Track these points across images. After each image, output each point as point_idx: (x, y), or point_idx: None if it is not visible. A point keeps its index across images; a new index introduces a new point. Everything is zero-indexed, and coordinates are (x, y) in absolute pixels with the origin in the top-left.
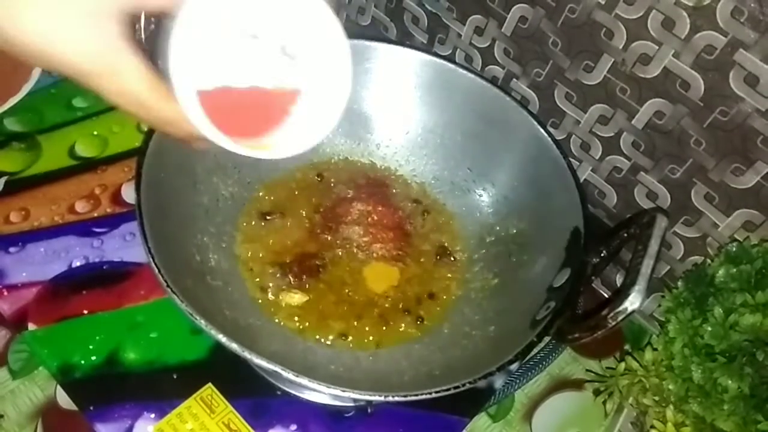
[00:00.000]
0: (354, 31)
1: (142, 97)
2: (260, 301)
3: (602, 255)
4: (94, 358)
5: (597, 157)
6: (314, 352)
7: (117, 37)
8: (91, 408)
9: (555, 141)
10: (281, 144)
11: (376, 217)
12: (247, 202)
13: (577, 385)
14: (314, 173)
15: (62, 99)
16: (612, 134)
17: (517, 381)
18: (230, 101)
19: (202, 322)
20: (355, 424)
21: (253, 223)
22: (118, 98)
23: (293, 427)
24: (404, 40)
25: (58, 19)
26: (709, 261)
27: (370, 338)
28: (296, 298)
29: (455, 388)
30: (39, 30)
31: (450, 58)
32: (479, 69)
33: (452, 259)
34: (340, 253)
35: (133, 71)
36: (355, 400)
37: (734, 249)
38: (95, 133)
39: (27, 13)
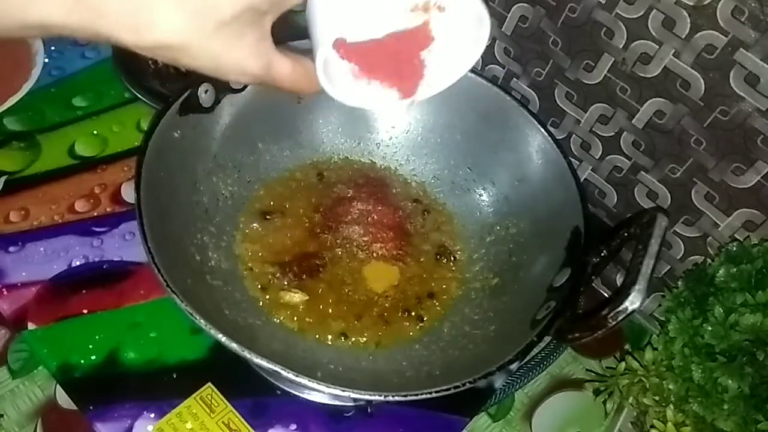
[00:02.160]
0: None
1: (290, 86)
2: (260, 300)
3: (602, 255)
4: (93, 357)
5: (597, 157)
6: (314, 351)
7: (270, 52)
8: (91, 407)
9: (555, 140)
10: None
11: (376, 217)
12: (247, 201)
13: (577, 384)
14: (314, 173)
15: (62, 98)
16: (612, 134)
17: (518, 381)
18: (369, 52)
19: (202, 322)
20: (355, 423)
21: (253, 222)
22: (271, 89)
23: (293, 426)
24: None
25: (222, 53)
26: (709, 261)
27: (370, 338)
28: (296, 297)
29: (455, 388)
30: (210, 62)
31: None
32: (479, 68)
33: (452, 258)
34: (340, 253)
35: (285, 72)
36: (355, 400)
37: (734, 249)
38: (95, 132)
39: (199, 54)
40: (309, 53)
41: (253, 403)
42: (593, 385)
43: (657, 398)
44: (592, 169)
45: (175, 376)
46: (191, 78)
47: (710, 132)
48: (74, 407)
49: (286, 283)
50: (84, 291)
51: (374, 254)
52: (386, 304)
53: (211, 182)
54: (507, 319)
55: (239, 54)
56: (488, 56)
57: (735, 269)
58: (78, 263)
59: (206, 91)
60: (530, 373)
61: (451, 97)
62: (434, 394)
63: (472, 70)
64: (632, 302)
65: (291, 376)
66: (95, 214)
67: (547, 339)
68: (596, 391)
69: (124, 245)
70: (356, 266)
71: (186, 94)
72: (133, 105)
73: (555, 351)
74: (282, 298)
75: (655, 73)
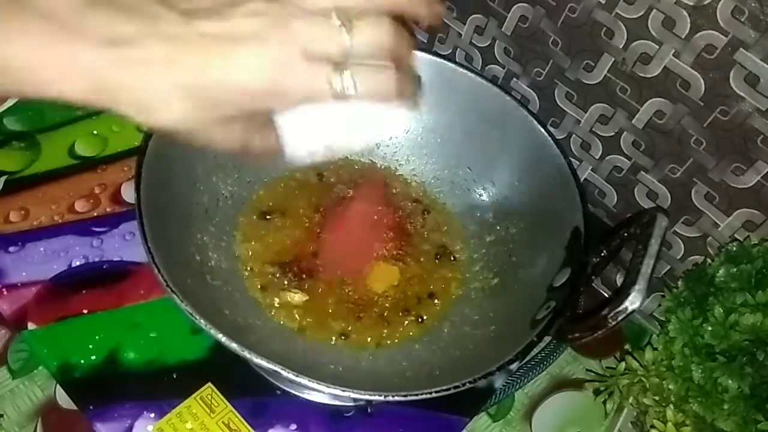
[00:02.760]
0: None
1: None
2: (260, 300)
3: (602, 255)
4: (93, 357)
5: (597, 157)
6: (314, 351)
7: (247, 130)
8: (91, 407)
9: (555, 140)
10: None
11: (376, 217)
12: (247, 202)
13: (577, 384)
14: (314, 173)
15: None
16: (612, 134)
17: (518, 381)
18: None
19: (202, 322)
20: (355, 423)
21: (253, 222)
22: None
23: (293, 426)
24: None
25: (218, 136)
26: (709, 261)
27: (370, 338)
28: (296, 297)
29: (455, 388)
30: (205, 142)
31: (450, 58)
32: (479, 68)
33: (452, 258)
34: None
35: (257, 144)
36: (355, 400)
37: (734, 249)
38: (95, 132)
39: (198, 135)
40: None
41: (253, 403)
42: (593, 385)
43: (657, 398)
44: (592, 169)
45: (175, 376)
46: None
47: (710, 132)
48: (74, 407)
49: (286, 283)
50: (84, 291)
51: (374, 254)
52: (386, 304)
53: (211, 182)
54: (507, 319)
55: (232, 135)
56: (488, 56)
57: (735, 269)
58: (78, 263)
59: None
60: (530, 373)
61: (452, 96)
62: (434, 394)
63: (473, 70)
64: (632, 302)
65: (291, 376)
66: (95, 214)
67: (547, 339)
68: (596, 391)
69: (124, 245)
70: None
71: None
72: None
73: (555, 351)
74: (282, 298)
75: (655, 73)
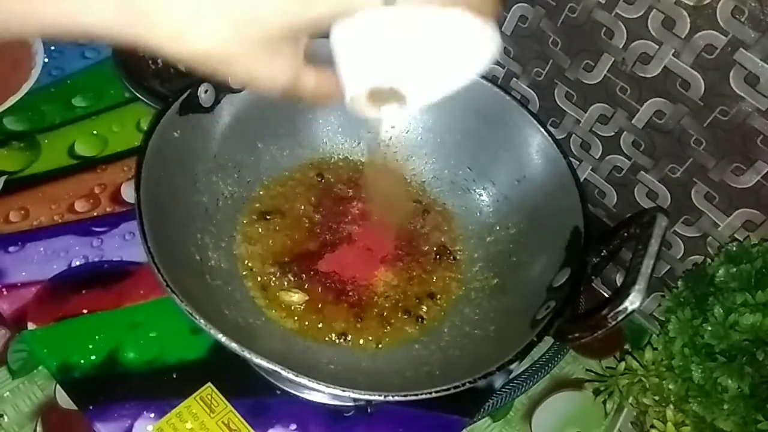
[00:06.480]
0: None
1: (312, 97)
2: (260, 300)
3: (602, 255)
4: (93, 357)
5: (597, 157)
6: (314, 351)
7: (300, 65)
8: (91, 407)
9: (555, 140)
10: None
11: (376, 218)
12: (247, 201)
13: (577, 384)
14: (314, 173)
15: (62, 98)
16: (612, 134)
17: (521, 386)
18: None
19: (201, 322)
20: (355, 423)
21: (253, 222)
22: (291, 97)
23: (293, 426)
24: None
25: (261, 65)
26: (709, 260)
27: (370, 338)
28: (296, 297)
29: (455, 388)
30: (246, 74)
31: None
32: None
33: (452, 258)
34: None
35: (310, 84)
36: (355, 400)
37: (734, 248)
38: (95, 132)
39: (238, 65)
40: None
41: (253, 403)
42: (593, 385)
43: (657, 398)
44: (592, 169)
45: (175, 376)
46: (191, 78)
47: (710, 132)
48: (74, 407)
49: (286, 283)
50: (84, 291)
51: (378, 260)
52: (386, 304)
53: (211, 182)
54: (507, 319)
55: (274, 67)
56: None
57: (735, 269)
58: (78, 263)
59: (206, 91)
60: (533, 378)
61: (451, 97)
62: (434, 394)
63: None
64: (632, 302)
65: (291, 376)
66: (95, 214)
67: (549, 343)
68: (596, 391)
69: (124, 245)
70: None
71: (186, 94)
72: (133, 105)
73: (559, 353)
74: (282, 298)
75: (655, 73)
